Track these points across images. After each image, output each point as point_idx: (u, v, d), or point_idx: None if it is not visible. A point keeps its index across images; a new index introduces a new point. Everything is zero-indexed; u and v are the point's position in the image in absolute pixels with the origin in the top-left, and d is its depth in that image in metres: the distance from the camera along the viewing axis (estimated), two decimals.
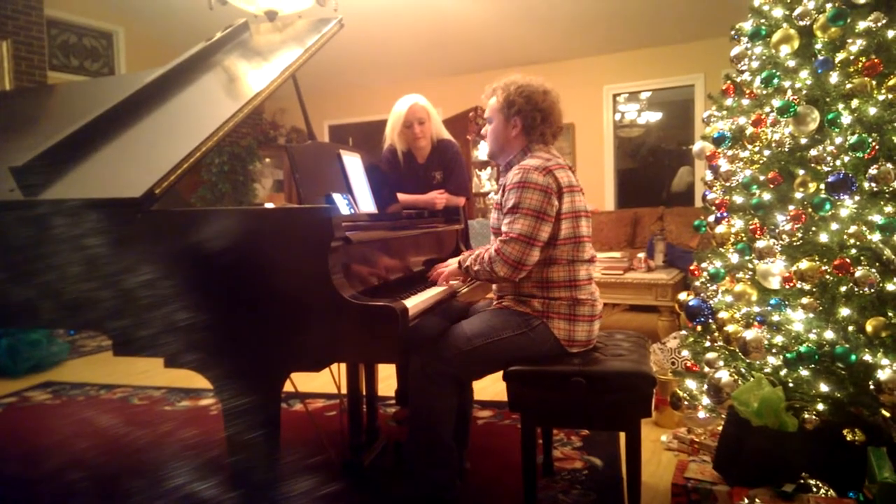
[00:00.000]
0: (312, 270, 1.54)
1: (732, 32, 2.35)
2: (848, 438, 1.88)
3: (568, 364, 2.00)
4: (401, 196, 2.97)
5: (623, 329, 2.37)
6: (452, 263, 2.20)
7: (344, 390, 2.48)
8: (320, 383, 3.51)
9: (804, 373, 1.91)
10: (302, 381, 2.32)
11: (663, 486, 2.31)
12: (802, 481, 1.98)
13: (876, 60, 1.84)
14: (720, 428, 2.26)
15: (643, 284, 4.16)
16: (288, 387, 1.66)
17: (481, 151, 6.93)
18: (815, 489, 1.97)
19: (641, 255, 4.36)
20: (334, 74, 6.85)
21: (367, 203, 2.46)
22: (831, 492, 1.96)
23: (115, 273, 1.60)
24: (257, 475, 1.56)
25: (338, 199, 2.19)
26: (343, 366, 2.51)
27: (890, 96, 1.83)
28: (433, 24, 6.15)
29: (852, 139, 1.81)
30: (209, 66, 2.43)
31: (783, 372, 1.96)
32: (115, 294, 1.60)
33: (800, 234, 1.98)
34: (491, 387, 3.49)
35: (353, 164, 2.45)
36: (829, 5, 1.94)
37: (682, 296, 2.67)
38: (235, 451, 1.59)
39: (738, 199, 2.29)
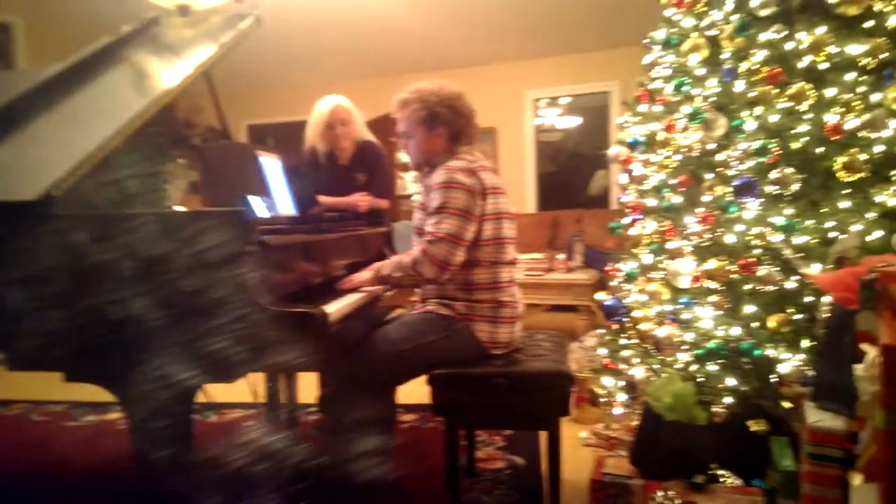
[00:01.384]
0: (226, 276, 1.48)
1: (646, 41, 2.44)
2: (752, 429, 1.97)
3: (490, 366, 2.02)
4: (322, 198, 2.91)
5: (544, 328, 2.40)
6: (366, 272, 2.16)
7: (262, 398, 2.40)
8: (237, 392, 3.38)
9: (713, 368, 2.00)
10: (217, 389, 2.22)
11: (583, 482, 2.36)
12: (711, 472, 2.07)
13: (777, 70, 1.95)
14: (636, 423, 2.34)
15: (563, 285, 4.26)
16: (202, 395, 1.58)
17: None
18: (722, 479, 2.07)
19: (561, 256, 4.46)
20: (254, 73, 6.67)
21: (286, 205, 2.40)
22: (738, 481, 2.06)
23: (8, 282, 1.48)
24: (168, 494, 1.48)
25: (255, 201, 2.12)
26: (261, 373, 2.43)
27: (790, 104, 1.94)
28: (356, 24, 6.09)
29: (756, 145, 1.91)
30: (116, 61, 2.29)
31: (694, 367, 2.04)
32: (10, 305, 1.48)
33: (708, 236, 2.07)
34: (416, 390, 3.47)
35: (272, 165, 2.38)
36: (734, 17, 2.04)
37: (600, 295, 2.75)
38: (143, 469, 1.50)
39: (651, 201, 2.38)
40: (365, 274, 2.17)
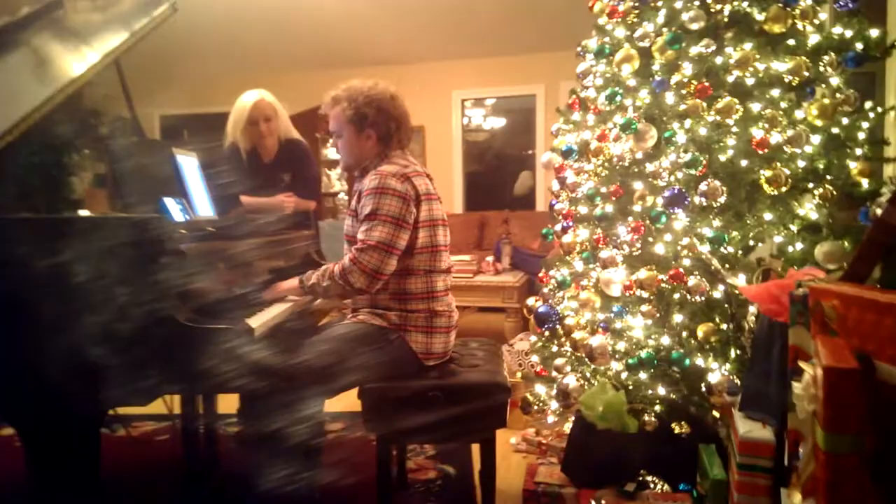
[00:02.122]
0: (139, 291, 1.34)
1: (578, 49, 2.44)
2: (676, 431, 2.00)
3: (425, 378, 1.96)
4: (244, 199, 2.76)
5: (474, 331, 2.36)
6: (290, 282, 2.05)
7: (177, 410, 2.24)
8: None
9: (643, 376, 2.01)
10: None
11: (514, 490, 2.34)
12: (641, 478, 2.10)
13: (706, 84, 1.99)
14: (567, 428, 2.34)
15: (491, 287, 4.25)
16: None
17: (332, 150, 6.74)
18: (652, 485, 2.10)
19: (490, 258, 4.45)
20: (169, 61, 6.31)
21: (204, 208, 2.25)
22: (666, 486, 2.09)
23: None
24: None
25: (170, 204, 1.96)
26: None
27: (717, 118, 1.98)
28: (281, 16, 5.87)
29: (686, 157, 1.94)
30: (13, 45, 2.07)
31: (625, 376, 2.05)
32: None
33: (638, 245, 2.09)
34: (343, 397, 3.37)
35: (189, 164, 2.22)
36: (665, 30, 2.06)
37: (531, 301, 2.74)
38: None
39: (583, 209, 2.38)
40: (290, 283, 2.06)
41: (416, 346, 1.98)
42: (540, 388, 2.32)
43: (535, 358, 2.49)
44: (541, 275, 2.59)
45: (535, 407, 2.34)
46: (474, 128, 8.44)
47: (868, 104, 2.06)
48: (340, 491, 2.30)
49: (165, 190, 2.00)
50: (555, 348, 2.44)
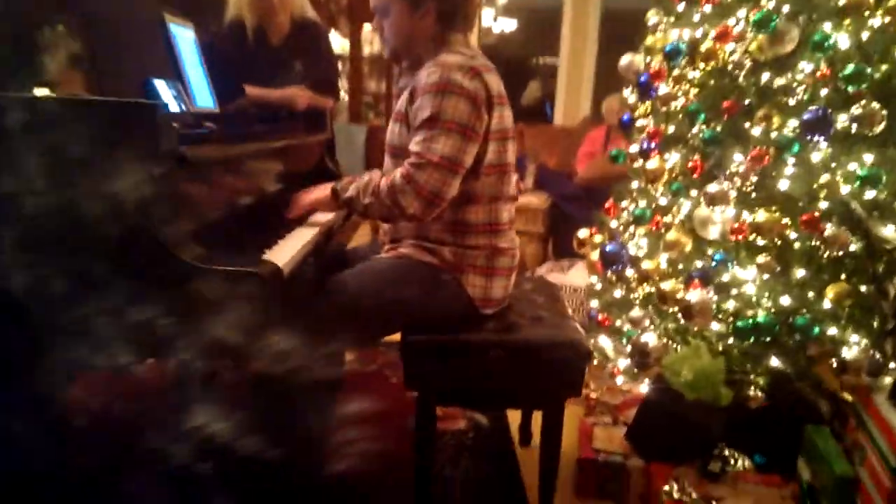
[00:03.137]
0: (125, 214, 0.89)
1: None
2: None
3: (482, 331, 1.56)
4: (249, 89, 2.26)
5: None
6: (321, 191, 1.60)
7: None
8: None
9: (750, 342, 1.64)
10: None
11: (565, 453, 2.00)
12: (718, 451, 1.77)
13: None
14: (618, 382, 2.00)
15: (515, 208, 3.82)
16: None
17: (335, 36, 6.06)
18: (732, 460, 1.78)
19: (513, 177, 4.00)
20: None
21: (204, 96, 1.75)
22: (748, 462, 1.78)
23: None
24: None
25: (161, 88, 1.47)
26: None
27: (887, 19, 1.50)
28: None
29: (848, 69, 1.48)
30: None
31: (726, 341, 1.68)
32: None
33: (754, 179, 1.66)
34: None
35: (185, 37, 1.71)
36: None
37: (583, 233, 2.35)
38: None
39: (671, 128, 1.93)
40: (320, 192, 1.61)
41: (472, 291, 1.57)
42: (604, 341, 1.94)
43: (594, 303, 2.10)
44: (607, 205, 2.16)
45: (595, 362, 1.97)
46: (484, 31, 7.73)
47: None
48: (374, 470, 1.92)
49: (155, 69, 1.50)
50: (618, 292, 2.05)
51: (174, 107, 1.50)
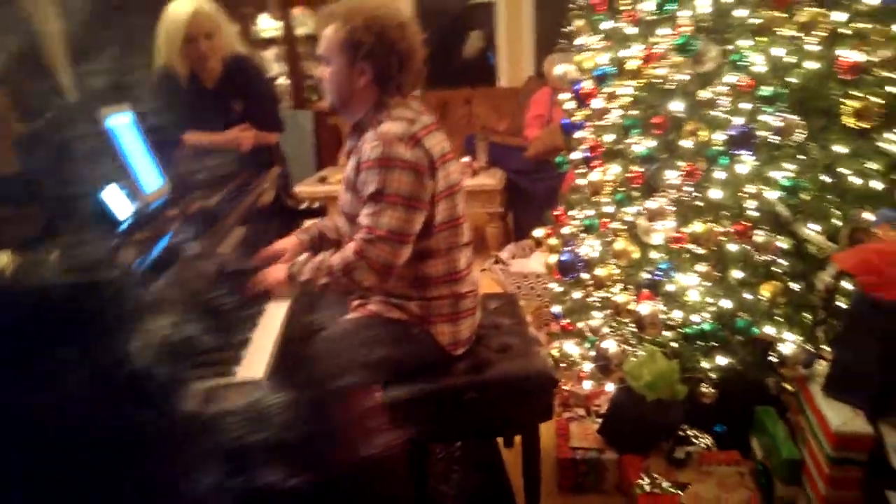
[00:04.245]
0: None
1: None
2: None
3: (455, 374, 1.67)
4: (190, 137, 2.27)
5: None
6: (277, 274, 1.66)
7: None
8: None
9: (699, 344, 1.79)
10: None
11: (545, 452, 2.16)
12: (682, 433, 1.95)
13: None
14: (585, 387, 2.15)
15: (471, 192, 3.87)
16: None
17: (265, 21, 5.89)
18: (694, 439, 1.96)
19: (466, 158, 4.05)
20: None
21: (151, 179, 1.77)
22: (710, 441, 1.96)
23: None
24: None
25: (111, 196, 1.49)
26: None
27: (798, 34, 1.59)
28: None
29: (765, 91, 1.57)
30: None
31: (677, 344, 1.82)
32: None
33: (690, 190, 1.77)
34: None
35: (125, 127, 1.71)
36: None
37: (538, 233, 2.45)
38: None
39: (609, 137, 2.02)
40: (276, 274, 1.67)
41: (442, 339, 1.67)
42: (570, 347, 2.08)
43: (557, 308, 2.22)
44: (558, 213, 2.26)
45: (563, 365, 2.11)
46: None
47: None
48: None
49: (102, 174, 1.52)
50: (577, 294, 2.18)
51: (128, 209, 1.52)
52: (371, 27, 1.51)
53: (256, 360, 1.35)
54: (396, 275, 1.56)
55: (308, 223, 2.25)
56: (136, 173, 1.67)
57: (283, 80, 6.04)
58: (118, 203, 1.51)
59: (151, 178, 1.78)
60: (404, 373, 1.65)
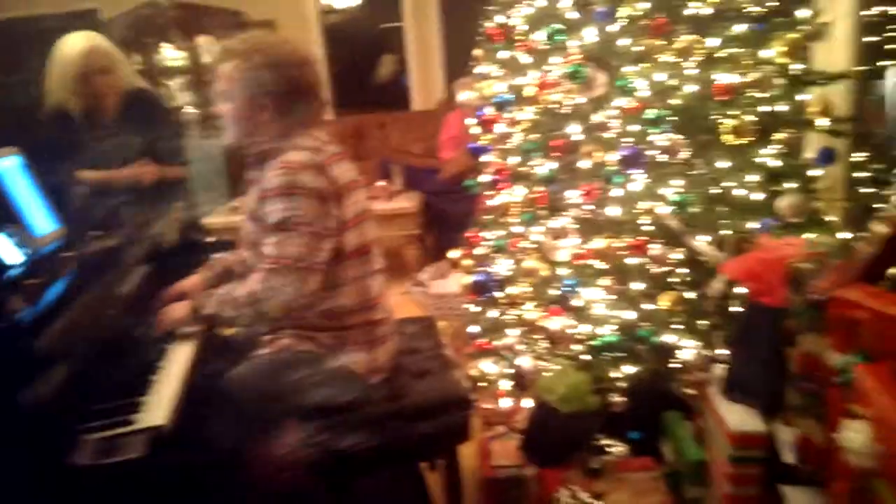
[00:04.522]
0: None
1: None
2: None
3: (374, 403, 1.66)
4: (87, 174, 2.19)
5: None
6: (180, 310, 1.62)
7: None
8: None
9: (607, 355, 1.86)
10: None
11: (469, 472, 2.18)
12: (598, 443, 2.01)
13: (662, 20, 1.69)
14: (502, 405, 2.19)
15: (388, 216, 3.91)
16: None
17: (171, 51, 5.72)
18: (609, 449, 2.02)
19: (381, 182, 4.07)
20: None
21: (43, 223, 1.69)
22: (624, 447, 2.03)
23: None
24: None
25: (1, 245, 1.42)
26: None
27: (677, 59, 1.70)
28: None
29: (651, 113, 1.67)
30: None
31: (587, 356, 1.89)
32: None
33: (591, 207, 1.85)
34: None
35: (11, 171, 1.63)
36: None
37: (454, 254, 2.49)
38: None
39: (513, 159, 2.09)
40: (179, 310, 1.63)
41: (358, 367, 1.67)
42: (487, 366, 2.12)
43: (474, 328, 2.26)
44: (470, 234, 2.31)
45: (482, 384, 2.15)
46: (325, 8, 7.54)
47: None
48: None
49: None
50: (493, 313, 2.22)
51: (17, 257, 1.45)
52: (271, 65, 1.51)
53: (159, 405, 1.31)
54: (307, 305, 1.55)
55: (215, 257, 2.21)
56: (26, 218, 1.60)
57: (190, 110, 5.89)
58: (6, 250, 1.44)
59: (43, 221, 1.70)
60: (321, 405, 1.62)
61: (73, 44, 2.13)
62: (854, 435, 1.05)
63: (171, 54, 5.90)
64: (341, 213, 1.57)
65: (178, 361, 1.51)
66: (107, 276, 1.61)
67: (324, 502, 1.61)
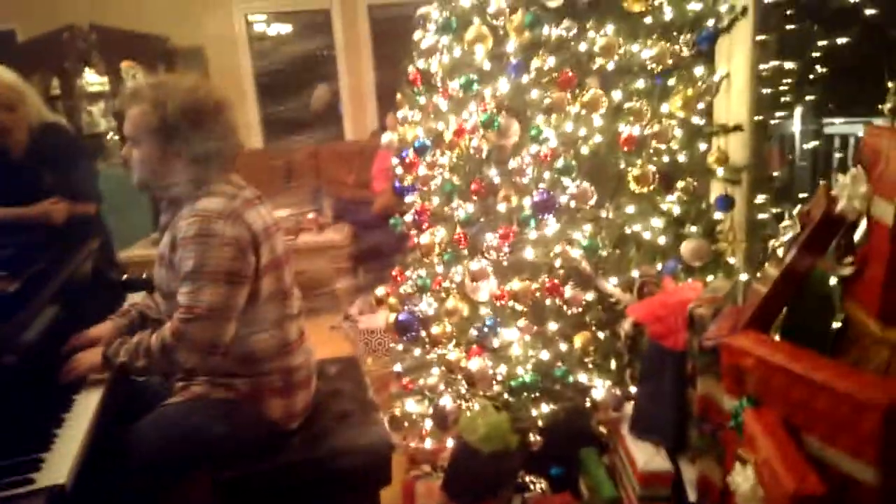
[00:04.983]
0: None
1: (417, 16, 2.07)
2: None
3: (290, 450, 1.65)
4: None
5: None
6: (91, 357, 1.58)
7: None
8: None
9: (525, 394, 1.91)
10: None
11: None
12: (520, 480, 2.05)
13: (570, 75, 1.77)
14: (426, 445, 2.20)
15: (318, 248, 3.89)
16: None
17: (91, 76, 5.54)
18: (531, 485, 2.06)
19: (311, 214, 4.05)
20: None
21: None
22: (544, 484, 2.07)
23: None
24: None
25: None
26: None
27: (583, 111, 1.79)
28: None
29: (559, 163, 1.74)
30: None
31: (506, 395, 1.93)
32: None
33: (507, 250, 1.91)
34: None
35: None
36: (521, 9, 1.79)
37: (380, 291, 2.50)
38: None
39: (437, 200, 2.13)
40: (91, 358, 1.58)
41: (274, 414, 1.65)
42: (410, 405, 2.13)
43: (398, 367, 2.27)
44: (395, 272, 2.33)
45: (407, 424, 2.15)
46: (257, 35, 7.50)
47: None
48: None
49: None
50: (417, 351, 2.24)
51: None
52: (183, 113, 1.50)
53: (61, 463, 1.26)
54: (221, 353, 1.52)
55: (132, 299, 2.14)
56: None
57: (111, 136, 5.71)
58: None
59: None
60: (236, 454, 1.60)
61: None
62: (741, 479, 1.11)
63: (92, 79, 5.73)
64: (258, 259, 1.56)
65: (84, 412, 1.45)
66: (12, 319, 1.54)
67: None
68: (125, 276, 2.36)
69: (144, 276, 2.34)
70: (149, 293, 2.03)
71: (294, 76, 7.83)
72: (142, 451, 1.50)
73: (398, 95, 2.27)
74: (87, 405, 1.50)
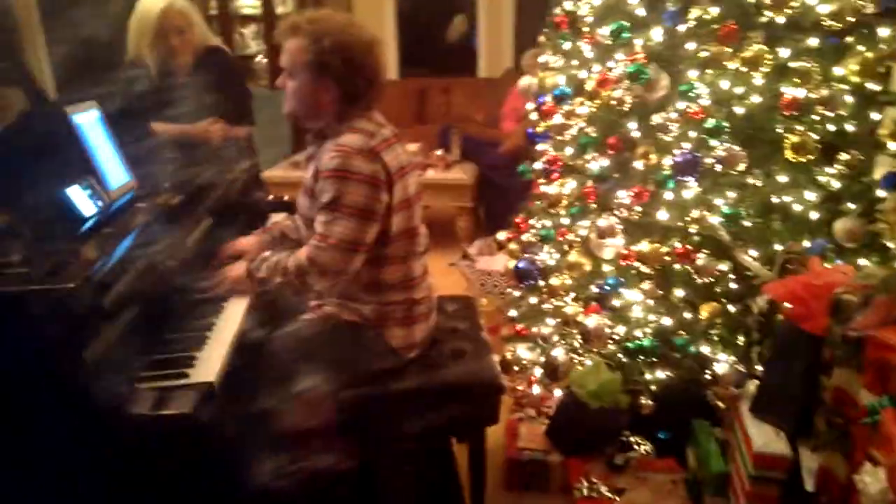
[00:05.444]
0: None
1: None
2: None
3: (407, 377, 1.74)
4: (158, 127, 2.29)
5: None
6: (237, 270, 1.72)
7: None
8: None
9: (641, 358, 1.88)
10: None
11: (494, 449, 2.23)
12: (625, 439, 2.05)
13: (732, 27, 1.64)
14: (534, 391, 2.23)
15: (443, 186, 3.94)
16: None
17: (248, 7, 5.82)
18: (636, 445, 2.06)
19: (439, 151, 4.09)
20: None
21: (117, 175, 1.79)
22: (650, 447, 2.05)
23: None
24: None
25: (75, 195, 1.53)
26: None
27: (743, 68, 1.66)
28: None
29: (709, 123, 1.64)
30: None
31: (621, 356, 1.91)
32: None
33: (639, 209, 1.85)
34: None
35: (91, 124, 1.73)
36: None
37: (501, 236, 2.52)
38: None
39: (569, 149, 2.08)
40: (237, 272, 1.72)
41: (395, 342, 1.74)
42: (522, 351, 2.16)
43: (513, 312, 2.30)
44: (519, 220, 2.33)
45: (517, 368, 2.19)
46: None
47: None
48: None
49: (69, 172, 1.56)
50: (533, 300, 2.26)
51: (92, 208, 1.56)
52: (338, 50, 1.55)
53: (210, 363, 1.40)
54: (350, 280, 1.62)
55: (274, 218, 2.30)
56: (102, 170, 1.71)
57: (260, 59, 5.99)
58: (83, 202, 1.55)
59: (118, 174, 1.81)
60: (357, 374, 1.71)
61: (152, 2, 2.22)
62: (870, 480, 1.05)
63: (246, 1, 6.00)
64: (390, 198, 1.61)
65: (231, 319, 1.60)
66: (174, 230, 1.71)
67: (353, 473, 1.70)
68: (270, 197, 2.53)
69: (286, 198, 2.51)
70: (289, 215, 2.17)
71: (432, 7, 7.77)
72: (278, 361, 1.65)
73: (540, 38, 2.20)
74: (235, 312, 1.65)
